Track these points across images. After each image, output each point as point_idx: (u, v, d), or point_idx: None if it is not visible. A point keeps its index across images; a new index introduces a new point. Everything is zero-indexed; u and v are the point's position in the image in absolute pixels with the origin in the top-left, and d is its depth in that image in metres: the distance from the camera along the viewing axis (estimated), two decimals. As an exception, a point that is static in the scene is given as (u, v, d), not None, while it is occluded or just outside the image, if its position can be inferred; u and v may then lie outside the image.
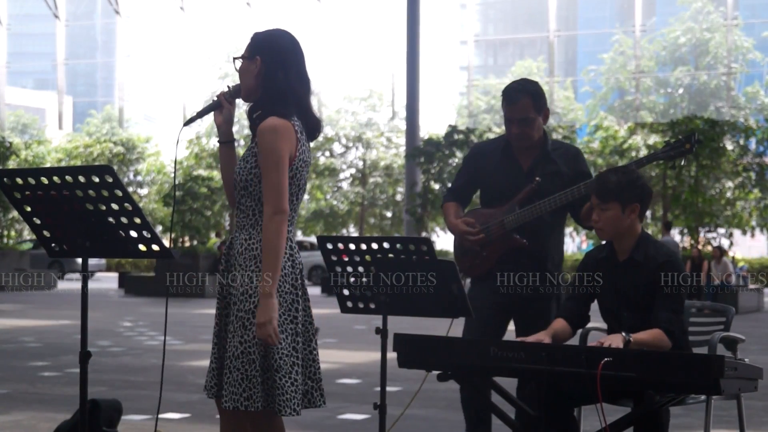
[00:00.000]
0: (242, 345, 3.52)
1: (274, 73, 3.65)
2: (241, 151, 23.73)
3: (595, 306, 4.31)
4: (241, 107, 4.15)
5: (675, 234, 26.96)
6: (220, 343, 3.67)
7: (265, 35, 3.72)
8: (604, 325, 4.34)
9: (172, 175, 42.57)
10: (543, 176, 4.69)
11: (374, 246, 3.85)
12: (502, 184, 4.77)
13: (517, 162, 4.77)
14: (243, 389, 3.51)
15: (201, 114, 3.85)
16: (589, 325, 4.41)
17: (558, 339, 4.15)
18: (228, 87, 3.80)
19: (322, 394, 3.73)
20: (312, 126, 3.72)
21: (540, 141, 4.76)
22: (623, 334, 3.88)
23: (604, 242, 4.33)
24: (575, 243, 51.68)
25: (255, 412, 3.57)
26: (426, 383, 4.46)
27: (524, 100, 4.66)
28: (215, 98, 3.79)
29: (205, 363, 9.89)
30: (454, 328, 4.21)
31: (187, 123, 3.85)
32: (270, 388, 3.54)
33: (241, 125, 41.67)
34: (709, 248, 24.00)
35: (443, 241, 35.78)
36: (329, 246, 3.93)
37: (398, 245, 3.84)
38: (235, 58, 3.75)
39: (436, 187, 28.32)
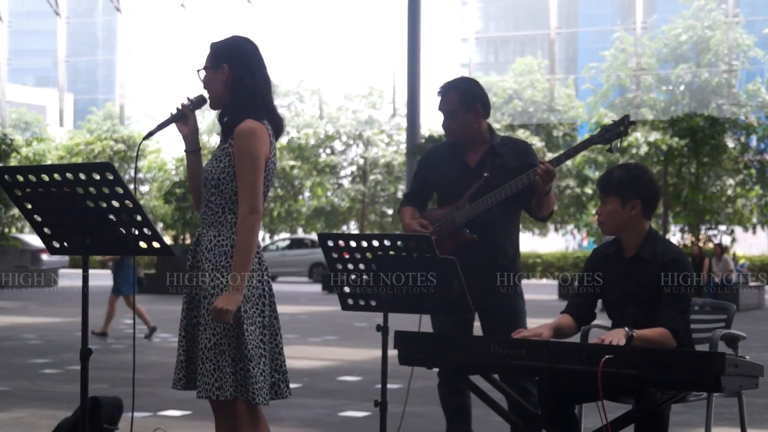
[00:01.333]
0: (215, 336, 3.62)
1: (242, 78, 3.77)
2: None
3: (599, 302, 4.31)
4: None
5: (676, 231, 26.97)
6: (188, 337, 3.79)
7: (227, 44, 3.82)
8: (606, 322, 4.34)
9: (173, 172, 42.56)
10: (491, 171, 4.77)
11: (375, 243, 3.86)
12: (452, 183, 4.87)
13: (464, 159, 4.87)
14: (215, 379, 3.62)
15: (162, 126, 3.89)
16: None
17: (561, 335, 4.15)
18: (188, 99, 3.87)
19: (287, 385, 3.80)
20: (278, 126, 3.84)
21: (486, 137, 4.86)
22: (626, 329, 3.87)
23: (607, 239, 4.34)
24: (576, 240, 51.65)
25: (228, 401, 3.66)
26: (425, 380, 4.46)
27: (450, 94, 4.85)
28: (178, 109, 3.85)
29: (206, 360, 9.87)
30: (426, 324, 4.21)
31: (147, 137, 3.90)
32: (243, 378, 3.64)
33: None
34: (710, 245, 24.00)
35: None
36: (330, 243, 3.94)
37: (399, 242, 3.85)
38: (198, 70, 3.83)
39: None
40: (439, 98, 4.90)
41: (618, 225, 4.15)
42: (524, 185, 4.63)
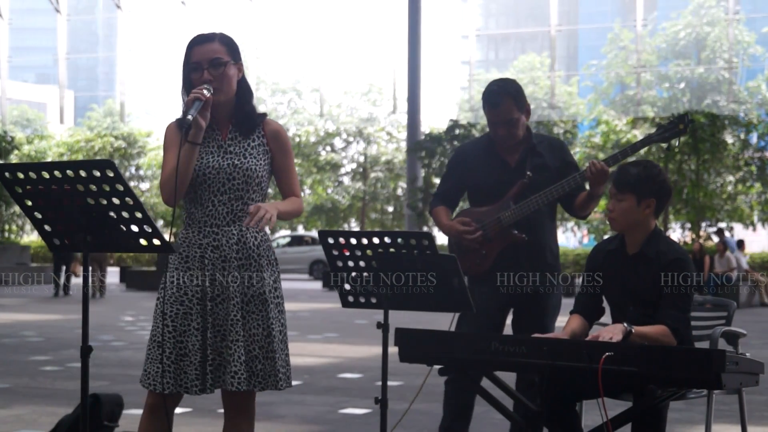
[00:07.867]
0: (280, 326, 3.82)
1: (245, 76, 3.85)
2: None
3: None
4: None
5: (677, 228, 26.94)
6: (188, 339, 3.63)
7: (232, 39, 3.81)
8: (608, 320, 4.34)
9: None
10: (532, 170, 4.69)
11: (375, 240, 3.85)
12: (490, 182, 4.75)
13: (503, 158, 4.77)
14: (286, 369, 3.83)
15: (195, 111, 3.57)
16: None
17: (577, 337, 4.14)
18: (207, 88, 3.62)
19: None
20: None
21: (524, 136, 4.75)
22: (624, 324, 3.87)
23: (606, 236, 4.33)
24: (576, 238, 51.60)
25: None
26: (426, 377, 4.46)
27: (506, 102, 4.66)
28: (204, 95, 3.58)
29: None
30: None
31: (185, 124, 3.54)
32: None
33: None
34: (711, 243, 24.00)
35: (444, 236, 35.74)
36: (330, 241, 3.93)
37: (399, 240, 3.84)
38: (225, 62, 3.69)
39: (437, 181, 28.31)
40: (491, 109, 4.68)
41: (630, 223, 4.12)
42: (576, 184, 4.56)
